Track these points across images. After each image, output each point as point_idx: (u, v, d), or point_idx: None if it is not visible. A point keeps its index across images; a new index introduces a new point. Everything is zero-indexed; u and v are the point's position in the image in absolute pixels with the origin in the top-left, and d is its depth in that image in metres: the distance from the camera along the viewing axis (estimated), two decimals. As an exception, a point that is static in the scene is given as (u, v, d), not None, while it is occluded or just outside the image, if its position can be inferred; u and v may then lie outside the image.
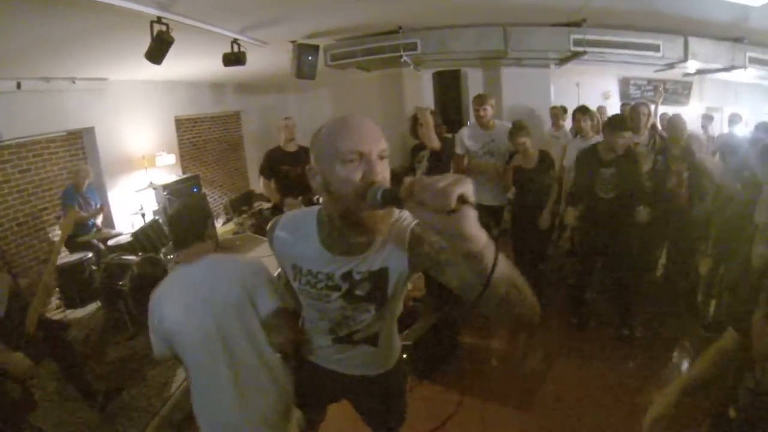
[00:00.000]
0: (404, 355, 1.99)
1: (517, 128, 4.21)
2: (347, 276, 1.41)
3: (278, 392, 1.86)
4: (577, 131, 5.21)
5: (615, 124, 3.78)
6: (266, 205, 8.67)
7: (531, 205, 4.36)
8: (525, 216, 4.44)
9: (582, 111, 5.04)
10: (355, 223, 1.24)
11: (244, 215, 8.45)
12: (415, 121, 4.21)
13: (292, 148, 4.95)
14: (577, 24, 5.40)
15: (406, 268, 1.37)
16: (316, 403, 1.95)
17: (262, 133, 10.66)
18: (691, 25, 5.36)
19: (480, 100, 4.62)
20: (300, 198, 4.82)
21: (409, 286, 1.99)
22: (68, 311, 5.13)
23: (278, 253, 1.55)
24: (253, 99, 10.54)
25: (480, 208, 0.87)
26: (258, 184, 10.37)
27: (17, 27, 3.18)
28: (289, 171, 4.91)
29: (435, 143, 4.01)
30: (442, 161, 4.13)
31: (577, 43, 5.42)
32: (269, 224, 1.57)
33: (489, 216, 0.91)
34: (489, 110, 4.56)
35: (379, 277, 1.40)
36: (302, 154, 5.01)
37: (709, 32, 5.62)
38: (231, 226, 8.51)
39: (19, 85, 5.06)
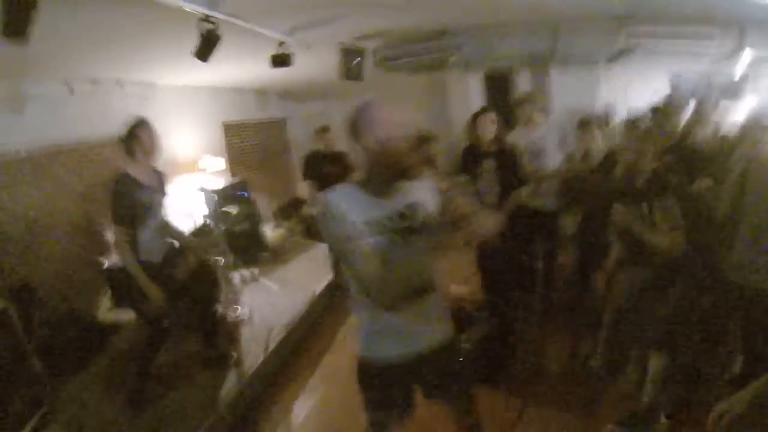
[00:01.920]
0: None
1: (581, 124, 4.11)
2: (402, 215, 1.77)
3: None
4: None
5: None
6: (315, 210, 8.72)
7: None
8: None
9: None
10: (402, 173, 1.73)
11: (293, 219, 8.53)
12: (474, 122, 4.01)
13: (330, 151, 5.26)
14: (627, 18, 5.18)
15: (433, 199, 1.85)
16: (392, 404, 1.95)
17: (307, 140, 10.71)
18: (746, 13, 5.07)
19: (520, 102, 4.58)
20: None
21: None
22: (117, 311, 5.18)
23: (335, 225, 1.73)
24: (297, 106, 10.66)
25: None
26: (304, 190, 10.51)
27: (65, 24, 3.20)
28: (331, 172, 5.10)
29: (506, 146, 3.92)
30: (510, 166, 3.93)
31: (630, 34, 5.24)
32: (317, 210, 1.83)
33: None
34: (530, 111, 4.43)
35: (421, 206, 1.81)
36: (338, 156, 5.14)
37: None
38: (282, 231, 8.57)
39: (72, 91, 5.18)
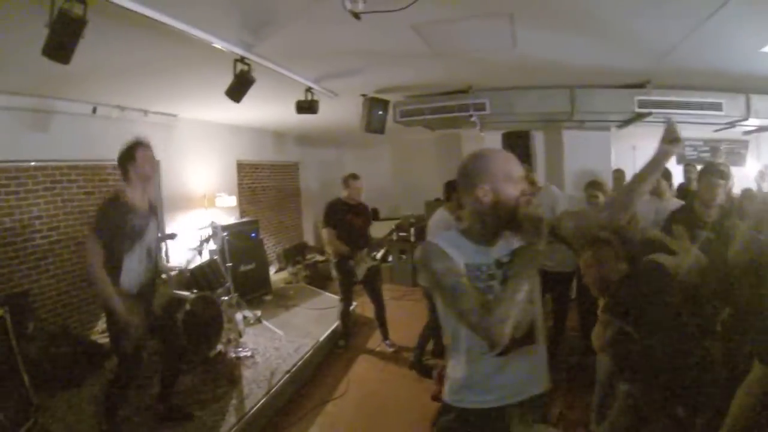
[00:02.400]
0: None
1: (590, 184, 4.19)
2: (499, 263, 1.77)
3: None
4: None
5: None
6: (320, 258, 8.71)
7: None
8: None
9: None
10: (511, 222, 1.72)
11: (299, 266, 8.51)
12: None
13: (353, 201, 5.25)
14: (641, 85, 5.37)
15: None
16: None
17: (318, 186, 10.82)
18: (753, 83, 5.23)
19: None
20: (365, 249, 5.21)
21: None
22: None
23: (440, 262, 1.74)
24: (312, 151, 10.79)
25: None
26: (311, 236, 10.54)
27: (100, 51, 3.25)
28: (353, 221, 5.22)
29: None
30: None
31: (641, 104, 5.38)
32: (417, 254, 1.81)
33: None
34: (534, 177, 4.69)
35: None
36: (362, 207, 5.18)
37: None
38: (284, 275, 8.55)
39: (95, 110, 5.26)
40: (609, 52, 4.13)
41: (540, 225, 1.64)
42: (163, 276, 4.57)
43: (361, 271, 5.28)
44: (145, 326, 3.33)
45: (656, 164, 1.84)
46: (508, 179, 1.72)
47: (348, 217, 5.25)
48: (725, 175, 3.40)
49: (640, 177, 1.82)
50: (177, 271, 5.36)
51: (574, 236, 1.86)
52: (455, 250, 1.76)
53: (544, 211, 1.68)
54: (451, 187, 4.83)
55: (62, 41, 2.47)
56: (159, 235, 3.73)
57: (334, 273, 5.38)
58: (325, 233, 5.24)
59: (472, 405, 1.82)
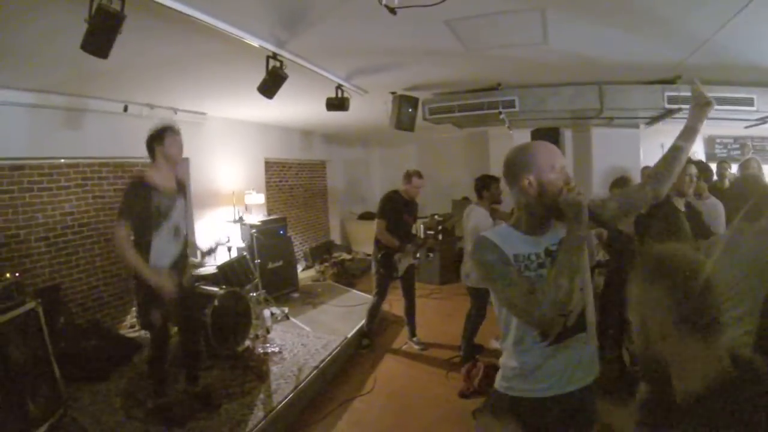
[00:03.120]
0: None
1: (616, 182, 4.13)
2: (548, 252, 1.82)
3: None
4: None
5: None
6: (347, 256, 8.73)
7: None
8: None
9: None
10: (555, 210, 1.76)
11: (326, 264, 8.55)
12: None
13: (409, 197, 5.32)
14: (670, 81, 5.24)
15: None
16: None
17: (345, 184, 10.84)
18: None
19: None
20: (410, 245, 5.29)
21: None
22: (143, 332, 5.16)
23: (491, 254, 1.81)
24: (339, 150, 10.81)
25: None
26: (338, 235, 10.57)
27: (132, 48, 3.26)
28: (406, 218, 5.33)
29: None
30: None
31: (671, 100, 5.25)
32: (478, 249, 1.85)
33: None
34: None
35: None
36: (414, 205, 5.25)
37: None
38: (311, 272, 8.60)
39: (126, 108, 5.34)
40: (639, 45, 4.02)
41: (580, 211, 1.68)
42: (192, 259, 4.68)
43: (402, 267, 5.29)
44: (174, 298, 3.43)
45: (691, 131, 1.93)
46: (551, 169, 1.77)
47: (402, 213, 5.27)
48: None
49: (677, 147, 1.89)
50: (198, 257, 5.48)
51: (620, 217, 1.93)
52: (505, 242, 1.82)
53: (584, 197, 1.71)
54: (482, 184, 4.81)
55: (101, 36, 2.51)
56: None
57: (373, 267, 5.33)
58: (378, 224, 5.21)
59: (523, 393, 1.86)
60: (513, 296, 1.71)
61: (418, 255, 5.49)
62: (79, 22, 2.50)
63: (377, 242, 5.25)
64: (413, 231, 5.56)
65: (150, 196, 3.39)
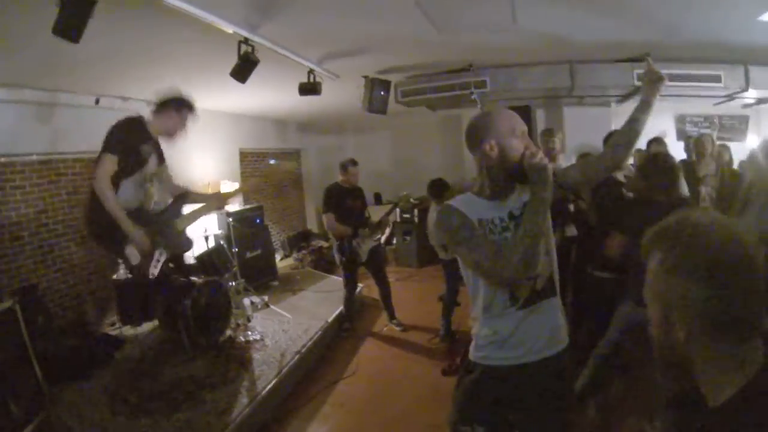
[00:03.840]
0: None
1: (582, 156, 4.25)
2: (511, 215, 1.86)
3: None
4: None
5: None
6: (325, 244, 8.75)
7: None
8: None
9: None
10: (519, 174, 1.81)
11: (304, 251, 8.56)
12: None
13: (349, 185, 5.45)
14: (640, 60, 5.28)
15: None
16: (492, 420, 1.94)
17: (320, 172, 10.81)
18: (751, 54, 5.23)
19: (549, 133, 4.88)
20: (366, 229, 5.34)
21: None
22: (124, 328, 5.14)
23: (455, 220, 1.85)
24: (313, 138, 10.77)
25: None
26: (314, 223, 10.57)
27: (103, 38, 3.24)
28: (353, 205, 5.40)
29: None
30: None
31: (640, 77, 5.28)
32: (442, 217, 1.92)
33: None
34: (558, 144, 4.79)
35: None
36: (359, 190, 5.29)
37: (768, 60, 5.47)
38: (289, 261, 8.60)
39: (97, 101, 5.27)
40: (608, 22, 4.08)
41: (544, 173, 1.74)
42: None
43: (363, 252, 5.35)
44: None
45: (646, 104, 1.92)
46: (512, 134, 1.82)
47: (347, 201, 5.35)
48: None
49: (634, 119, 1.91)
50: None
51: (581, 183, 2.02)
52: (469, 208, 1.86)
53: (547, 160, 1.77)
54: (438, 188, 4.95)
55: (72, 19, 2.51)
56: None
57: (337, 258, 5.42)
58: (326, 218, 5.31)
59: (496, 362, 1.89)
60: (479, 258, 1.76)
61: (381, 239, 5.57)
62: (50, 13, 2.49)
63: (333, 235, 5.40)
64: (366, 215, 5.65)
65: (142, 136, 3.35)
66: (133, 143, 3.30)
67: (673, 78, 5.28)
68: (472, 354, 1.97)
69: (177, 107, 3.47)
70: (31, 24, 3.04)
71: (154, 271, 3.44)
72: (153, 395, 3.73)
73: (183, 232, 3.78)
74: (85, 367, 4.27)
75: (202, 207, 3.90)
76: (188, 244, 3.96)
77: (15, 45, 3.49)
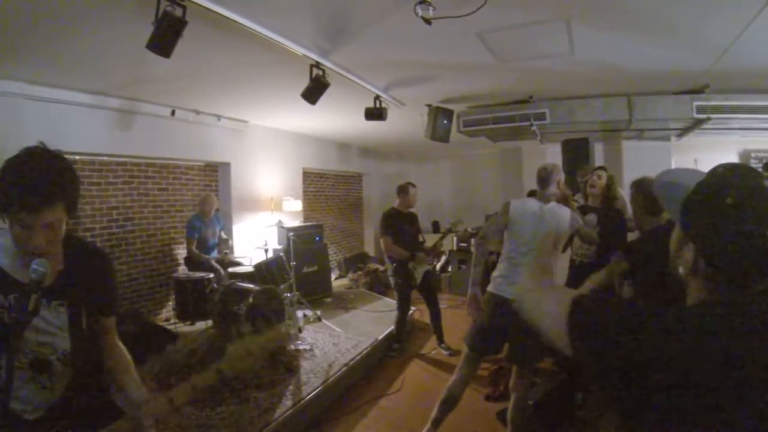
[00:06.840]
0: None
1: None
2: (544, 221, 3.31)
3: None
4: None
5: None
6: (381, 268, 8.91)
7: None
8: None
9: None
10: (565, 200, 3.46)
11: (359, 272, 8.73)
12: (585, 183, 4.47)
13: (405, 210, 5.62)
14: (699, 91, 5.20)
15: None
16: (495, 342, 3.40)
17: (380, 198, 11.03)
18: None
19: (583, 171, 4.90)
20: (421, 253, 5.54)
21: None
22: (179, 324, 5.44)
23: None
24: (375, 164, 11.03)
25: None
26: (372, 247, 10.75)
27: (183, 55, 3.44)
28: (409, 230, 5.57)
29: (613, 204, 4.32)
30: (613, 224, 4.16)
31: (700, 110, 5.18)
32: (503, 212, 3.38)
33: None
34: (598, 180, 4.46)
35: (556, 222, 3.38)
36: (413, 216, 5.67)
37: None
38: (344, 281, 8.80)
39: (173, 113, 5.69)
40: (663, 53, 4.07)
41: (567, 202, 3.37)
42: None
43: (418, 275, 5.45)
44: None
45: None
46: (563, 179, 3.37)
47: (404, 225, 5.53)
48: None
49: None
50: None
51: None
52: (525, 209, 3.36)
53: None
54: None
55: (165, 38, 2.80)
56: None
57: (392, 280, 5.55)
58: (383, 241, 5.46)
59: (504, 293, 3.17)
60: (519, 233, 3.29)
61: (436, 265, 5.67)
62: (139, 31, 2.81)
63: (390, 258, 5.50)
64: (420, 239, 5.77)
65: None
66: None
67: (735, 110, 5.15)
68: (490, 289, 3.36)
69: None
70: (119, 38, 3.38)
71: None
72: (200, 389, 3.89)
73: None
74: (138, 353, 4.48)
75: None
76: None
77: (103, 57, 3.85)
